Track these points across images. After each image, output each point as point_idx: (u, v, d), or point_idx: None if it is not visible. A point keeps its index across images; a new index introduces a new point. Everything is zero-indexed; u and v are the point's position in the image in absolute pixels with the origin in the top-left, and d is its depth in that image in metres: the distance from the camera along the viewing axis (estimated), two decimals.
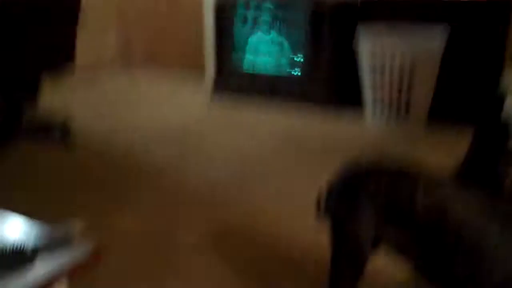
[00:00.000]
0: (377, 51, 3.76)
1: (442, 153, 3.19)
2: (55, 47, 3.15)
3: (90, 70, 4.99)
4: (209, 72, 4.70)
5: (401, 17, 3.88)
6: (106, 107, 4.27)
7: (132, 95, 4.59)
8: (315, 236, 1.96)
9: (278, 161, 3.22)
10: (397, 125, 3.82)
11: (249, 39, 4.35)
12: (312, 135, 3.68)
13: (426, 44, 3.72)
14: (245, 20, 4.33)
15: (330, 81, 4.12)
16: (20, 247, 1.40)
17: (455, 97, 3.83)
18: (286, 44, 4.25)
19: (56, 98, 4.08)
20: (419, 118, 3.86)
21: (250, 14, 4.31)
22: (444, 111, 3.84)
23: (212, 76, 4.51)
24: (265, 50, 4.32)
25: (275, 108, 4.19)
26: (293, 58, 4.25)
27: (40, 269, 1.36)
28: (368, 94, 3.93)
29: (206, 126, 3.86)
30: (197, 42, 4.97)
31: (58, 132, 3.29)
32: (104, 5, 5.15)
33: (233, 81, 4.41)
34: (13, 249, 1.39)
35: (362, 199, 1.61)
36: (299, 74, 4.22)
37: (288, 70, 4.27)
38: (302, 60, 4.19)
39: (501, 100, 2.03)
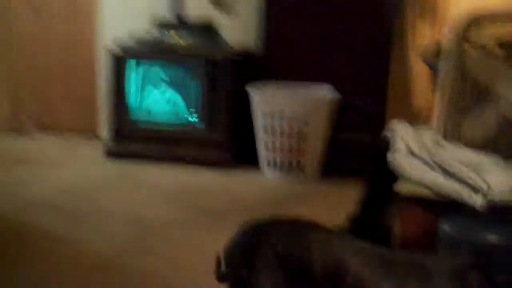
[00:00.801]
0: (267, 110, 3.90)
1: (335, 206, 3.22)
2: None
3: None
4: (104, 133, 4.68)
5: (290, 76, 4.09)
6: None
7: (22, 161, 4.40)
8: None
9: (176, 221, 3.20)
10: (292, 183, 3.92)
11: (145, 98, 4.35)
12: (210, 194, 3.68)
13: (315, 102, 3.91)
14: (139, 79, 4.34)
15: (227, 141, 4.18)
16: None
17: (346, 151, 3.99)
18: (182, 103, 4.29)
19: None
20: (312, 174, 3.99)
21: (143, 72, 4.33)
22: (336, 165, 3.99)
23: (108, 137, 4.47)
24: (161, 109, 4.34)
25: (174, 167, 4.19)
26: (188, 118, 4.28)
27: None
28: (263, 153, 4.05)
29: (102, 189, 3.76)
30: (91, 104, 4.94)
31: None
32: None
33: (130, 141, 4.37)
34: None
35: (261, 255, 1.62)
36: (197, 133, 4.25)
37: (185, 130, 4.28)
38: (196, 119, 4.25)
39: (386, 145, 2.11)
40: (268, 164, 4.00)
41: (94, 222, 3.17)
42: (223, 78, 4.10)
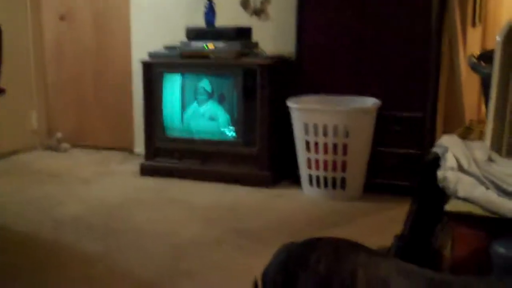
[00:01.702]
0: (308, 123, 3.83)
1: (380, 226, 3.30)
2: None
3: (13, 155, 4.99)
4: (140, 149, 4.77)
5: (329, 87, 4.04)
6: (31, 191, 4.14)
7: (58, 177, 4.47)
8: None
9: (213, 241, 3.16)
10: (334, 200, 3.87)
11: (183, 113, 4.37)
12: (248, 214, 3.64)
13: (359, 115, 3.83)
14: (176, 92, 4.36)
15: (265, 157, 4.15)
16: None
17: (392, 167, 3.93)
18: (222, 116, 4.28)
19: None
20: (355, 192, 3.93)
21: (181, 85, 4.35)
22: (381, 182, 3.95)
23: (144, 153, 4.50)
24: (199, 123, 4.34)
25: (211, 184, 4.19)
26: (226, 132, 4.27)
27: None
28: (303, 169, 3.99)
29: (137, 206, 3.77)
30: (126, 120, 5.05)
31: None
32: (22, 82, 5.13)
33: (165, 157, 4.40)
34: None
35: (302, 278, 1.59)
36: (234, 149, 4.23)
37: (222, 145, 4.26)
38: (235, 134, 4.22)
39: (435, 162, 2.06)
40: (309, 181, 3.97)
41: (129, 241, 3.19)
42: (261, 87, 4.08)
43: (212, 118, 4.33)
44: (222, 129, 4.29)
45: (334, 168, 3.86)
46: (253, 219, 3.53)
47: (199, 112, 4.36)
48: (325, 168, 3.88)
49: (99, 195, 4.00)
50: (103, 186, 4.23)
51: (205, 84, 4.31)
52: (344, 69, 4.02)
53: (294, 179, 4.14)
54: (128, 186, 4.23)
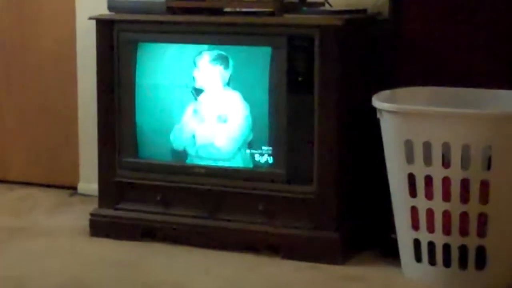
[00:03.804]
0: (415, 141, 3.78)
1: None
2: None
3: None
4: (88, 184, 5.05)
5: (457, 76, 4.12)
6: None
7: None
8: None
9: None
10: (463, 285, 3.83)
11: (173, 117, 4.42)
12: None
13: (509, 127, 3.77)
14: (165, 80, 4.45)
15: (334, 204, 4.07)
16: None
17: None
18: (244, 120, 4.28)
19: None
20: (505, 273, 3.84)
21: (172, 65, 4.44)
22: None
23: (95, 192, 4.59)
24: (206, 136, 4.35)
25: (223, 255, 4.20)
26: (252, 154, 4.25)
27: None
28: (404, 231, 3.91)
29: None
30: (64, 134, 5.38)
31: None
32: None
33: (137, 202, 4.41)
34: None
35: None
36: (271, 184, 4.19)
37: (248, 179, 4.25)
38: (271, 160, 4.17)
39: None
40: (415, 253, 3.90)
41: None
42: (322, 70, 4.08)
43: (223, 119, 4.37)
44: (247, 149, 4.32)
45: (464, 229, 3.76)
46: None
47: (203, 113, 4.40)
48: (447, 229, 3.78)
49: (7, 276, 4.01)
50: (18, 258, 4.25)
51: (216, 60, 4.33)
52: (483, 41, 4.06)
53: (385, 249, 4.13)
54: (66, 256, 4.26)
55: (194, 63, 4.35)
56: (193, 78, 4.36)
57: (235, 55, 4.29)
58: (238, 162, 4.29)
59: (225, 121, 4.32)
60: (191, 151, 4.38)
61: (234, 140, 4.30)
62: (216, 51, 4.32)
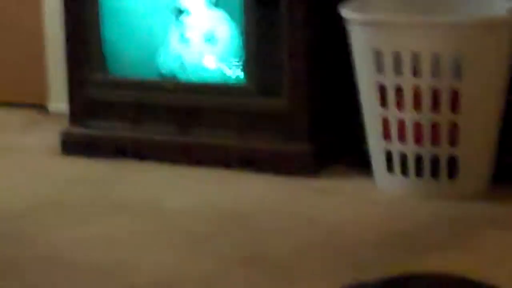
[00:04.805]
0: (385, 51, 3.78)
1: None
2: None
3: None
4: (58, 102, 4.94)
5: None
6: None
7: None
8: None
9: (210, 279, 3.20)
10: (436, 200, 3.83)
11: (146, 27, 4.38)
12: (272, 220, 3.69)
13: (484, 34, 3.75)
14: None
15: (304, 117, 4.11)
16: None
17: None
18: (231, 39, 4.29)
19: None
20: (475, 184, 3.89)
21: None
22: None
23: (66, 110, 4.58)
24: (182, 49, 4.34)
25: (202, 170, 4.21)
26: (225, 70, 4.25)
27: None
28: (376, 142, 3.92)
29: (56, 214, 3.81)
30: (31, 49, 5.25)
31: None
32: None
33: (107, 119, 4.42)
34: None
35: None
36: (244, 99, 4.20)
37: (222, 95, 4.26)
38: (243, 74, 4.19)
39: None
40: (387, 164, 3.91)
41: (43, 283, 3.22)
42: None
43: (210, 39, 4.30)
44: (223, 64, 4.30)
45: (435, 138, 3.76)
46: (278, 238, 3.56)
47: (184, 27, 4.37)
48: (418, 139, 3.79)
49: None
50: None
51: None
52: None
53: (357, 160, 4.11)
54: (38, 176, 4.26)
55: None
56: None
57: None
58: (209, 78, 4.32)
59: (213, 41, 4.33)
60: (169, 68, 4.38)
61: (223, 59, 4.31)
62: None
